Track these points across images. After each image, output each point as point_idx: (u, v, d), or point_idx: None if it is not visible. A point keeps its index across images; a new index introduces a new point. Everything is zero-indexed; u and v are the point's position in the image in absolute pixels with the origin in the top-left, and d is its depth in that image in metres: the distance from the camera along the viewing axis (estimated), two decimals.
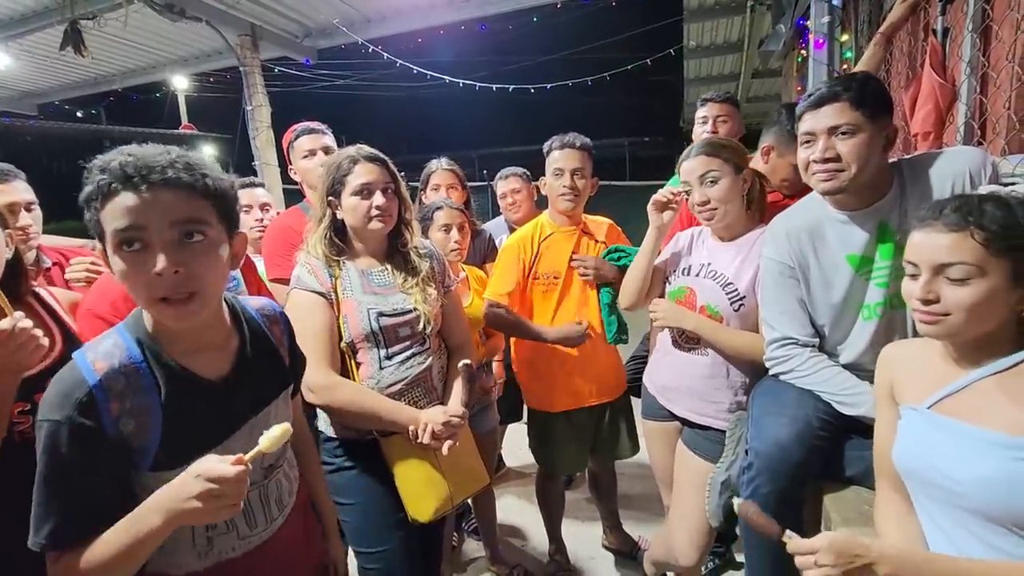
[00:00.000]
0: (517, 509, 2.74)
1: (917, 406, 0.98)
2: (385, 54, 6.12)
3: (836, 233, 1.32)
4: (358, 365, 1.40)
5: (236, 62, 5.84)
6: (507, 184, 2.66)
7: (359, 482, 1.42)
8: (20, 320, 1.00)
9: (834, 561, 0.83)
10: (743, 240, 1.59)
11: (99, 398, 0.81)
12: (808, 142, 1.27)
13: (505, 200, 2.67)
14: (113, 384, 0.82)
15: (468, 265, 2.13)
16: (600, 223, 2.09)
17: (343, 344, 1.39)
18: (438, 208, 1.96)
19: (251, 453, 0.80)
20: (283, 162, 2.38)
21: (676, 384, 1.67)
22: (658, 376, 1.74)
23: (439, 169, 2.35)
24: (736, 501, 0.95)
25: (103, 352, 0.85)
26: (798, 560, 0.88)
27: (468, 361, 1.53)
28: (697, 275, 1.62)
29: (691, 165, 1.57)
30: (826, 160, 1.22)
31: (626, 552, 2.37)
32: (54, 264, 1.65)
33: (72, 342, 1.16)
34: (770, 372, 1.42)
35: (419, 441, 1.34)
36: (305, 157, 2.03)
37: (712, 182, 1.53)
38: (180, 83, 10.98)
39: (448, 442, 1.35)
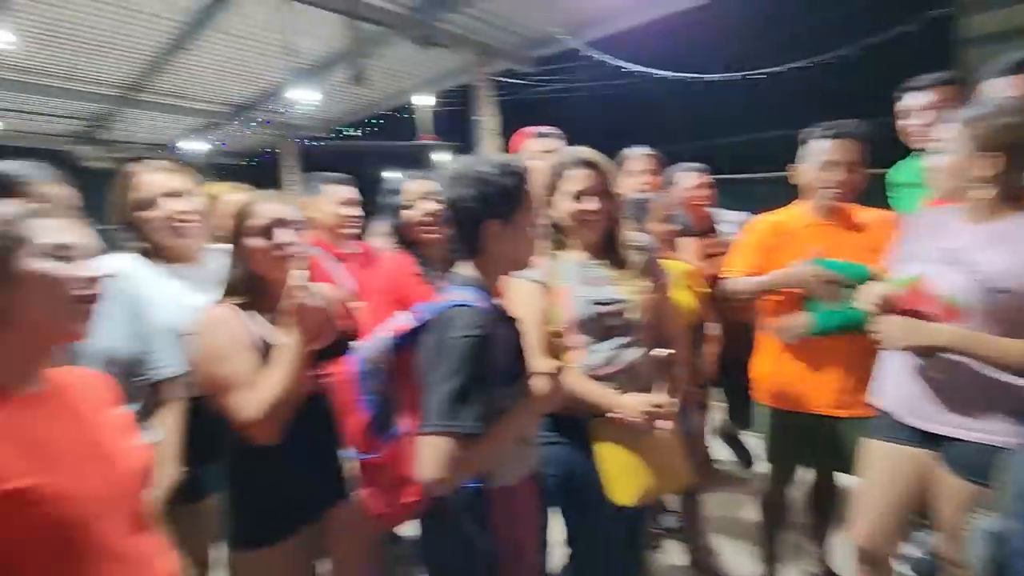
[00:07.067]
0: (721, 517, 2.59)
1: None
2: (604, 57, 6.26)
3: None
4: (569, 349, 1.50)
5: (468, 79, 6.67)
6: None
7: (561, 455, 1.51)
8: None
9: None
10: (1005, 223, 1.32)
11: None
12: None
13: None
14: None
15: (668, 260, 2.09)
16: (869, 218, 1.83)
17: (555, 328, 1.50)
18: (648, 200, 2.00)
19: None
20: None
21: (929, 394, 1.39)
22: (897, 389, 1.48)
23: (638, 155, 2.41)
24: None
25: (473, 300, 1.15)
26: None
27: (673, 351, 1.53)
28: (932, 260, 1.38)
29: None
30: None
31: None
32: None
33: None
34: None
35: (626, 423, 1.40)
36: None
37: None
38: (424, 101, 12.79)
39: (659, 423, 1.40)
